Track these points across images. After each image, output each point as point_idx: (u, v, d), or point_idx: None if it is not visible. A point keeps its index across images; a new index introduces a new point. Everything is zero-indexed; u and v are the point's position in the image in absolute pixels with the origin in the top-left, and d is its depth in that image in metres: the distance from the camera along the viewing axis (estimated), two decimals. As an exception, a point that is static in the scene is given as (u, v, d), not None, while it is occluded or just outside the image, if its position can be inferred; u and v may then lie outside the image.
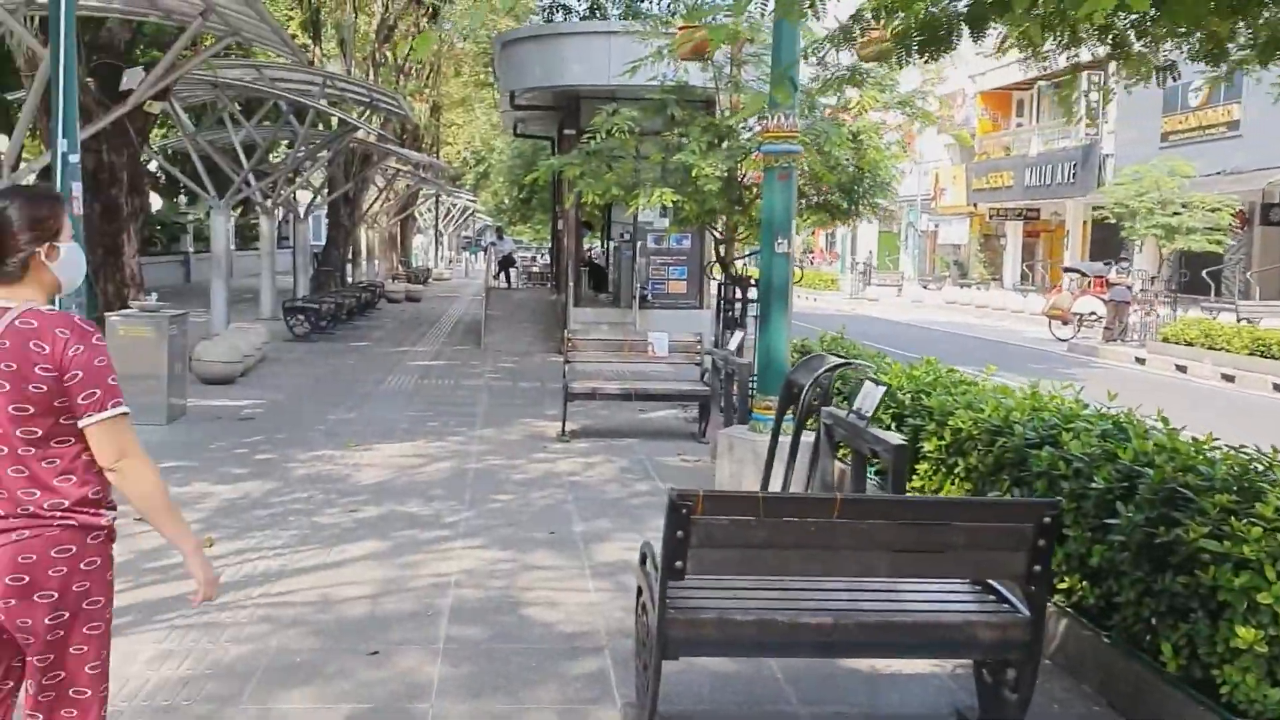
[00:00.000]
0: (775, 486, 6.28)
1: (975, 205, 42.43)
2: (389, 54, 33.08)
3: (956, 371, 7.65)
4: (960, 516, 3.75)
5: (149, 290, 13.77)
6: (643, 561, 4.21)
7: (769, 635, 3.73)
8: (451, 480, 8.14)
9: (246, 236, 43.03)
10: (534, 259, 42.32)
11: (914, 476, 6.72)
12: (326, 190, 28.05)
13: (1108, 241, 38.99)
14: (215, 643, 4.75)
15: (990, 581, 4.01)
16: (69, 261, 2.73)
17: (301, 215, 26.57)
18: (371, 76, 29.10)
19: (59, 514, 2.60)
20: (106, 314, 10.56)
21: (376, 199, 35.84)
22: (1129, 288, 23.86)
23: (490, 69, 40.05)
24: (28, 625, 2.59)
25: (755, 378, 8.11)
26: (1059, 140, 37.47)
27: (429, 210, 55.02)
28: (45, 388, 2.56)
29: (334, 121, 25.06)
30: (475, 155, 50.49)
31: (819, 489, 5.81)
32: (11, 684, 2.73)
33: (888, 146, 11.06)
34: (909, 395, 7.01)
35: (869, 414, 5.20)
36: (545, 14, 29.65)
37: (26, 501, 2.58)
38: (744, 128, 11.20)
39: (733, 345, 8.74)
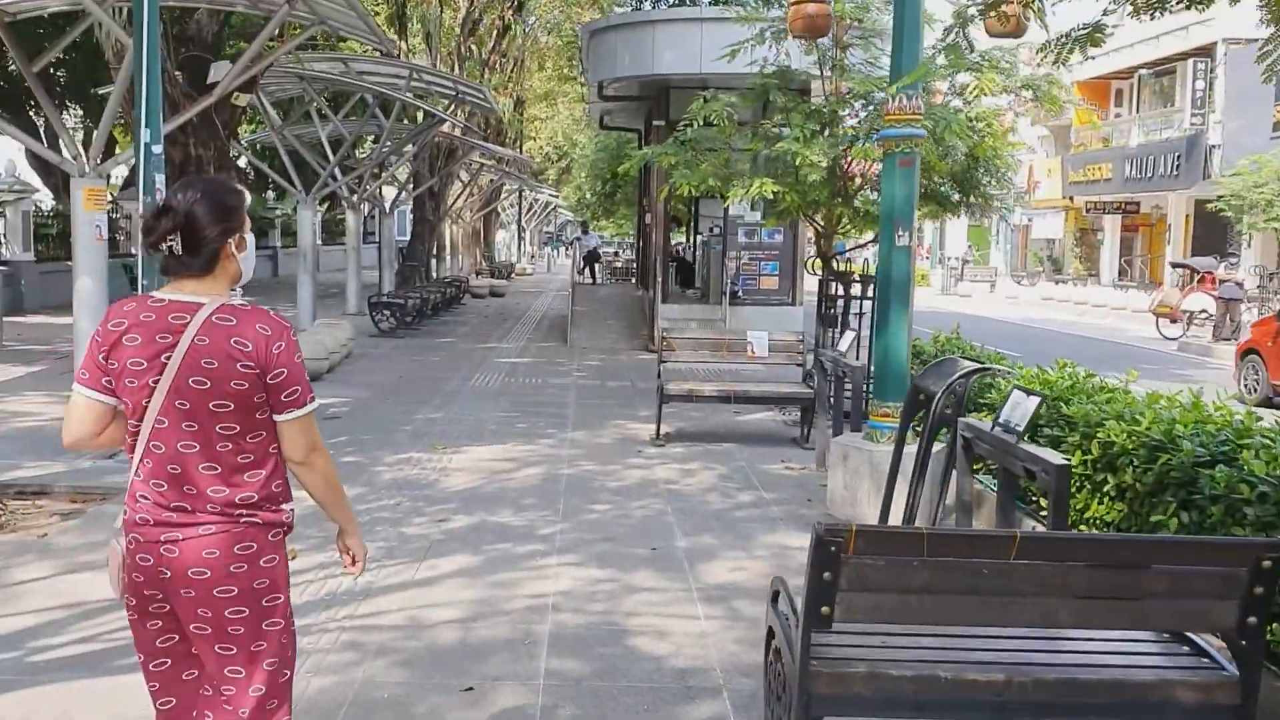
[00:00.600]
0: (899, 504, 5.70)
1: (1071, 198, 41.00)
2: (474, 48, 32.92)
3: (1094, 376, 6.98)
4: (1161, 558, 3.15)
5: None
6: (774, 600, 3.68)
7: (930, 693, 3.18)
8: (543, 487, 7.70)
9: (333, 231, 43.36)
10: (616, 254, 41.94)
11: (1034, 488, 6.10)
12: (411, 185, 27.96)
13: (1211, 235, 37.43)
14: (296, 673, 4.33)
15: (1188, 634, 3.41)
16: (249, 252, 2.73)
17: (387, 210, 26.52)
18: (456, 71, 28.92)
19: (245, 510, 2.61)
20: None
21: (460, 194, 35.77)
22: (1240, 284, 22.63)
23: (574, 62, 39.87)
24: (207, 617, 2.60)
25: (870, 382, 7.54)
26: (1161, 130, 35.95)
27: (512, 206, 55.04)
28: (247, 385, 2.55)
29: (419, 116, 24.90)
30: (558, 150, 50.25)
31: (956, 510, 5.23)
32: (189, 671, 2.73)
33: (1005, 134, 10.35)
34: (1045, 403, 6.36)
35: (1021, 427, 4.60)
36: (634, 2, 29.17)
37: (215, 498, 2.58)
38: (849, 114, 10.58)
39: (843, 346, 8.15)
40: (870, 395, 7.41)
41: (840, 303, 10.97)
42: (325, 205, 37.21)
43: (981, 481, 6.51)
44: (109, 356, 2.58)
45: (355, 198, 22.78)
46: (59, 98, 23.83)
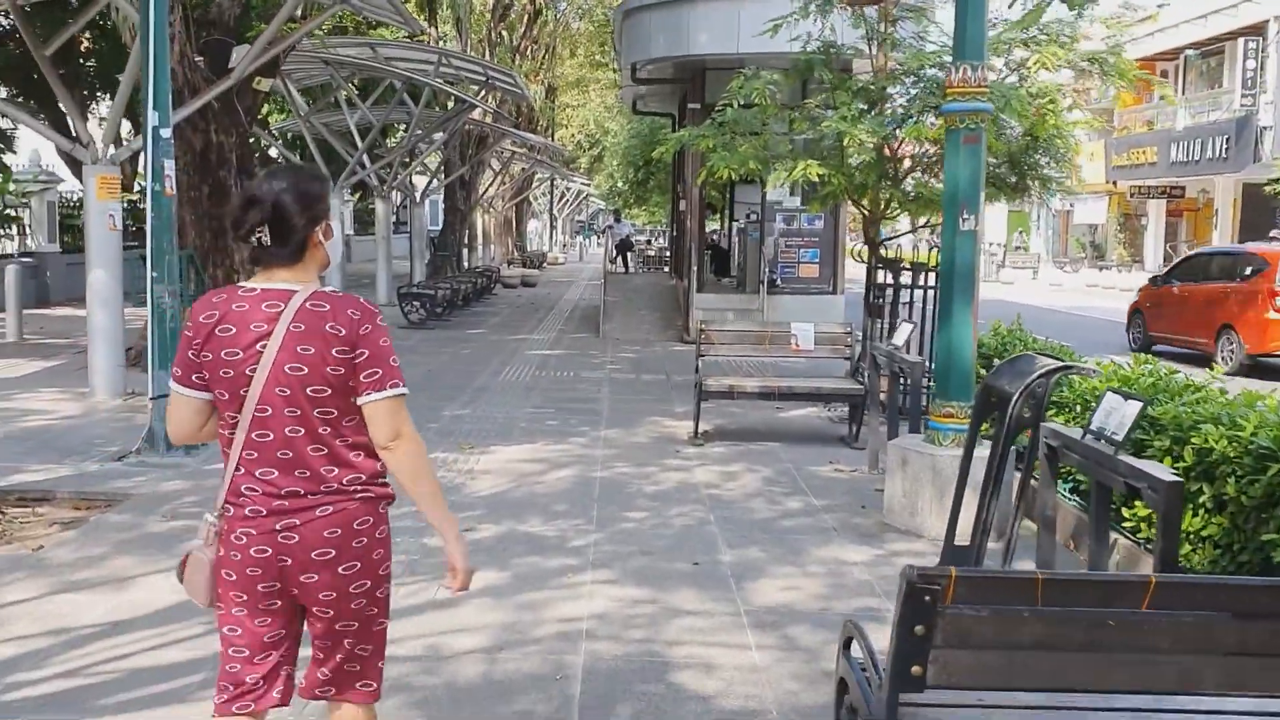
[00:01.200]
0: (967, 517, 5.13)
1: (1114, 183, 40.00)
2: (504, 34, 32.44)
3: (1177, 373, 6.38)
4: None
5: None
6: (846, 646, 3.14)
7: (1042, 770, 2.63)
8: (576, 492, 7.19)
9: (364, 221, 43.13)
10: (649, 242, 41.35)
11: (1126, 505, 5.52)
12: (443, 174, 27.55)
13: (1259, 220, 36.38)
14: (299, 715, 3.85)
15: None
16: (336, 239, 2.76)
17: (418, 199, 26.12)
18: (487, 57, 28.46)
19: (358, 487, 2.64)
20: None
21: (492, 183, 35.36)
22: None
23: (605, 48, 39.31)
24: (331, 597, 2.64)
25: (931, 378, 6.96)
26: (1209, 113, 34.89)
27: (543, 194, 54.63)
28: (342, 369, 2.58)
29: (450, 104, 24.45)
30: (589, 138, 49.80)
31: (1038, 527, 4.66)
32: (287, 646, 2.76)
33: (1068, 112, 9.69)
34: (1147, 409, 5.78)
35: (1120, 437, 4.03)
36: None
37: (329, 478, 2.61)
38: (898, 91, 9.98)
39: (899, 339, 7.55)
40: (931, 393, 6.83)
41: (889, 292, 10.38)
42: (357, 195, 36.88)
43: (1062, 494, 5.94)
44: (202, 349, 2.60)
45: (385, 186, 22.36)
46: (87, 86, 23.52)
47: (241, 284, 2.65)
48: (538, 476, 7.61)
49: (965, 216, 6.34)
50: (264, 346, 2.56)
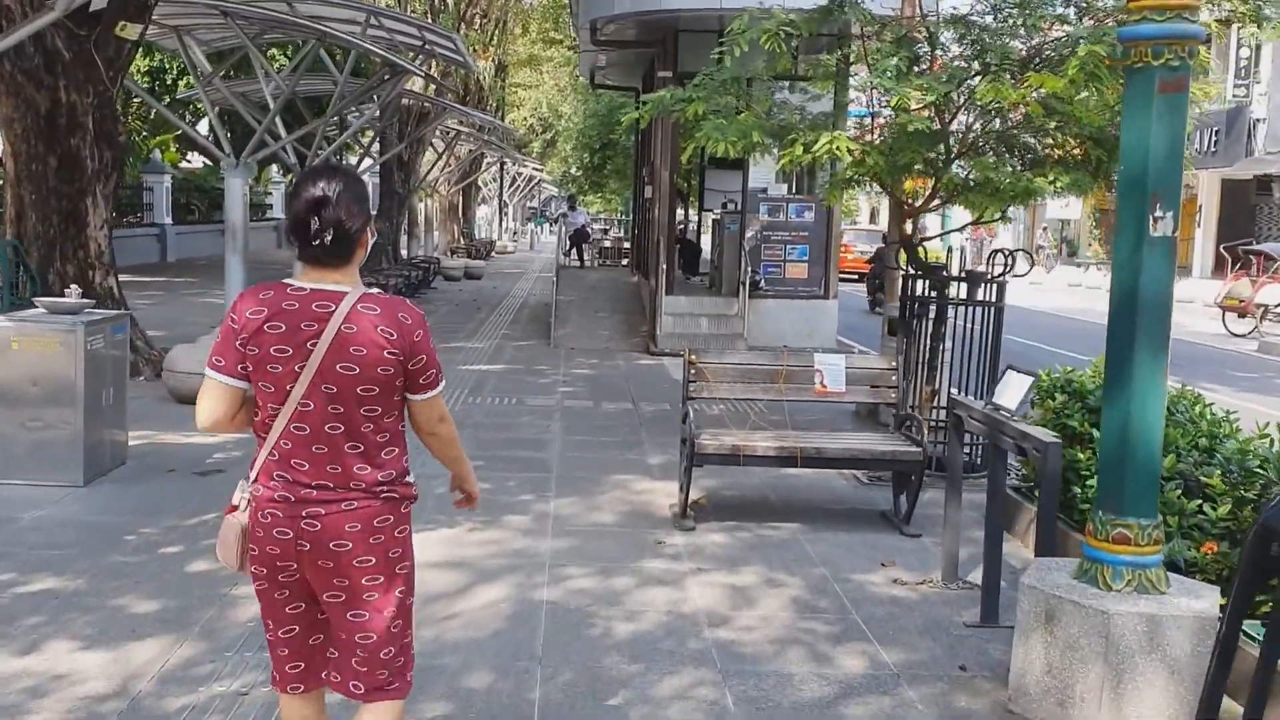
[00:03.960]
0: None
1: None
2: (449, 1, 29.58)
3: None
4: None
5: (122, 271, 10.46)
6: None
7: None
8: (508, 635, 4.58)
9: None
10: (605, 233, 38.55)
11: None
12: (379, 152, 24.69)
13: (1238, 217, 34.79)
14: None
15: None
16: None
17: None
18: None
19: (384, 488, 2.71)
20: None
21: (435, 164, 32.49)
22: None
23: (560, 23, 36.52)
24: (343, 585, 2.71)
25: (1095, 474, 4.45)
26: (1199, 103, 32.85)
27: (493, 180, 51.75)
28: (392, 370, 2.67)
29: (387, 76, 21.63)
30: (542, 122, 47.10)
31: None
32: (316, 636, 2.85)
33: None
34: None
35: None
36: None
37: (359, 476, 2.68)
38: (952, 37, 7.46)
39: (1009, 399, 4.88)
40: (1089, 496, 4.30)
41: (933, 310, 7.86)
42: (288, 175, 33.85)
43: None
44: (249, 343, 2.65)
45: (306, 165, 19.51)
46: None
47: (289, 282, 2.70)
48: (451, 600, 4.99)
49: (1159, 214, 3.82)
50: (314, 345, 2.62)
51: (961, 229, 8.86)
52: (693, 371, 6.57)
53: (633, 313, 16.62)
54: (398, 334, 2.65)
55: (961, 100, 7.06)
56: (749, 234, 14.50)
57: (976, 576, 5.50)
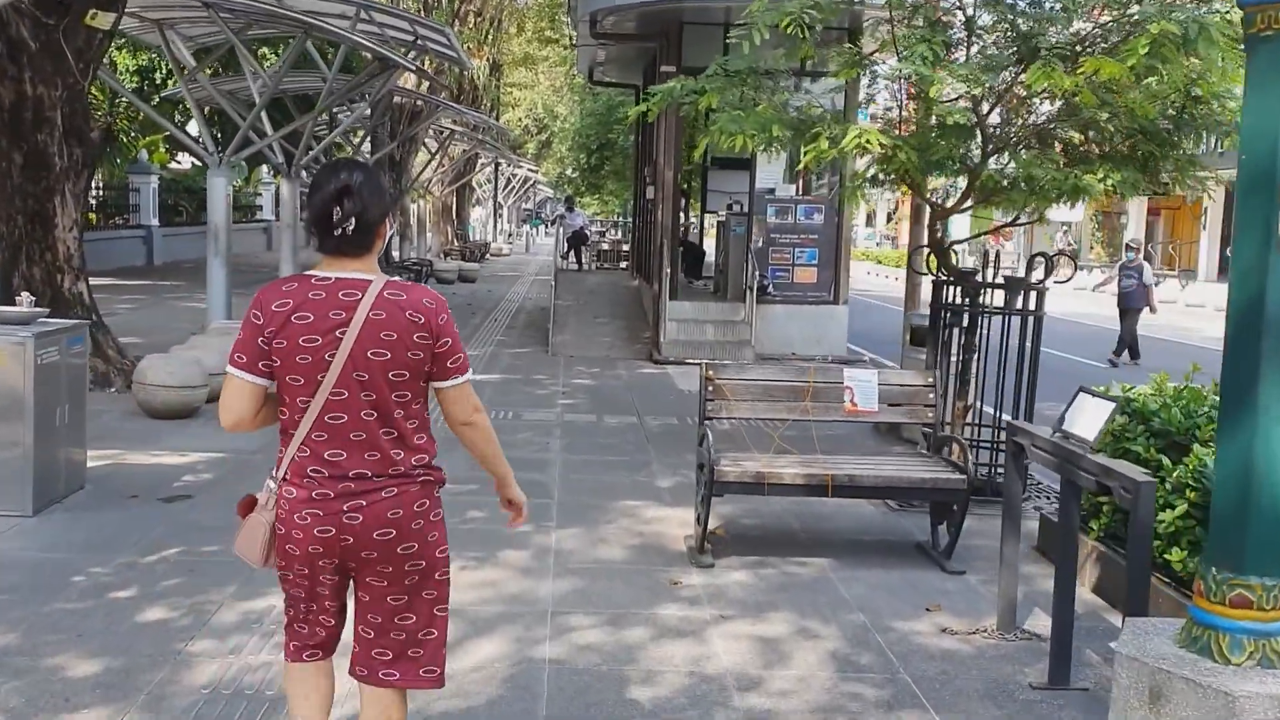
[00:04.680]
0: None
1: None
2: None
3: None
4: None
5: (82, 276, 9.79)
6: None
7: None
8: (506, 706, 3.93)
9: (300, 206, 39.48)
10: (602, 235, 37.84)
11: None
12: (370, 152, 24.03)
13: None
14: None
15: None
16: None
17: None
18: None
19: (421, 470, 2.76)
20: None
21: (428, 164, 31.82)
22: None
23: (556, 22, 35.85)
24: (386, 572, 2.74)
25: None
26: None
27: (488, 181, 51.06)
28: (421, 354, 2.71)
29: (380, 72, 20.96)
30: (537, 123, 46.46)
31: None
32: (344, 613, 2.91)
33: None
34: None
35: None
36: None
37: (396, 460, 2.71)
38: (994, 19, 6.81)
39: (1084, 427, 4.17)
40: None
41: (965, 319, 7.22)
42: (278, 177, 33.16)
43: None
44: (276, 336, 2.65)
45: (294, 164, 18.82)
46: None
47: (311, 273, 2.71)
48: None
49: (1292, 213, 3.17)
50: (343, 333, 2.64)
51: (994, 230, 8.23)
52: (710, 389, 5.92)
53: (634, 319, 15.97)
54: (425, 318, 2.69)
55: (1004, 89, 6.41)
56: (757, 236, 13.85)
57: (1033, 623, 4.89)
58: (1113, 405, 4.10)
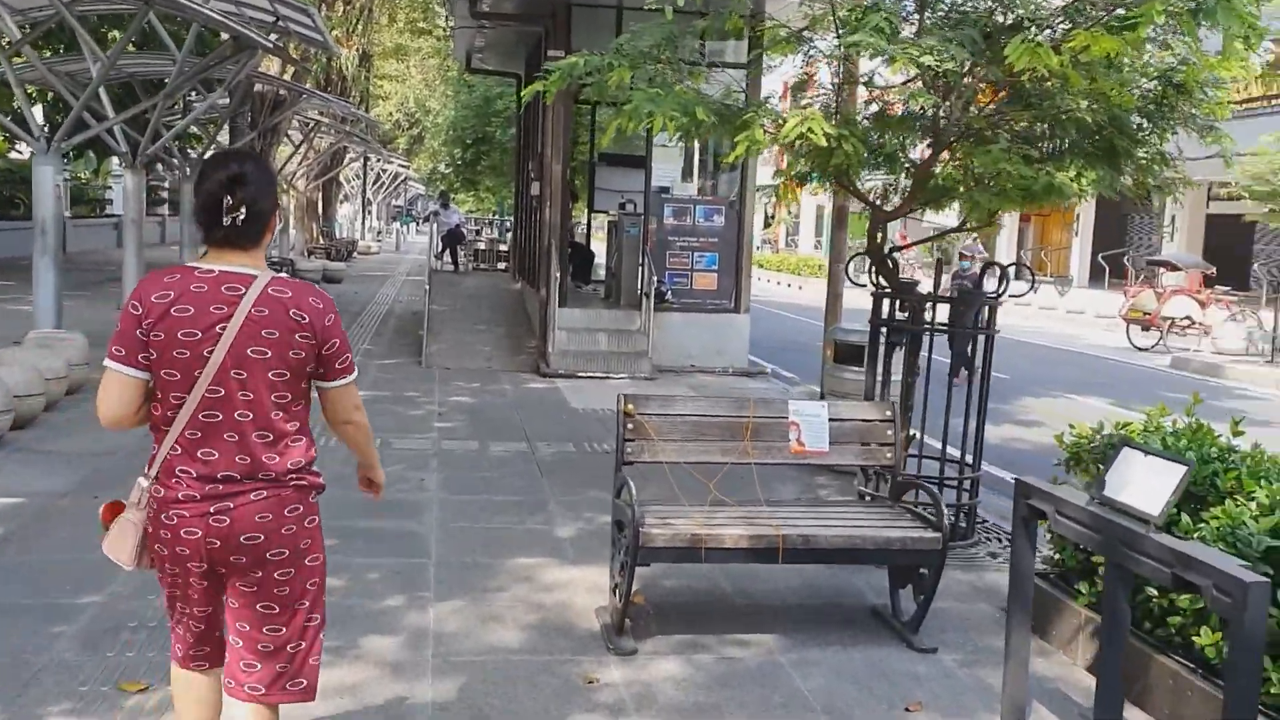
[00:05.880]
0: None
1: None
2: (309, -20, 27.15)
3: None
4: None
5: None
6: None
7: None
8: None
9: (157, 200, 37.09)
10: (479, 233, 36.28)
11: None
12: (228, 142, 22.21)
13: (1107, 225, 34.93)
14: None
15: None
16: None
17: (189, 174, 20.71)
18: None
19: (294, 474, 2.68)
20: None
21: (291, 157, 29.96)
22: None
23: (429, 14, 34.28)
24: (256, 577, 2.67)
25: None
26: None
27: (356, 176, 49.00)
28: (303, 355, 2.64)
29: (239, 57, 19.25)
30: (409, 117, 44.77)
31: None
32: (211, 611, 2.78)
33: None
34: None
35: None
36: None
37: (269, 465, 2.63)
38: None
39: (1148, 498, 3.14)
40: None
41: (906, 338, 6.27)
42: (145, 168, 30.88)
43: None
44: (154, 328, 2.57)
45: (139, 154, 17.02)
46: None
47: (195, 265, 2.63)
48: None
49: None
50: (223, 329, 2.56)
51: (941, 236, 7.32)
52: (630, 426, 4.80)
53: (517, 325, 14.76)
54: (309, 318, 2.63)
55: (969, 69, 5.46)
56: (655, 240, 12.81)
57: (1041, 727, 3.91)
58: (1184, 469, 3.12)
